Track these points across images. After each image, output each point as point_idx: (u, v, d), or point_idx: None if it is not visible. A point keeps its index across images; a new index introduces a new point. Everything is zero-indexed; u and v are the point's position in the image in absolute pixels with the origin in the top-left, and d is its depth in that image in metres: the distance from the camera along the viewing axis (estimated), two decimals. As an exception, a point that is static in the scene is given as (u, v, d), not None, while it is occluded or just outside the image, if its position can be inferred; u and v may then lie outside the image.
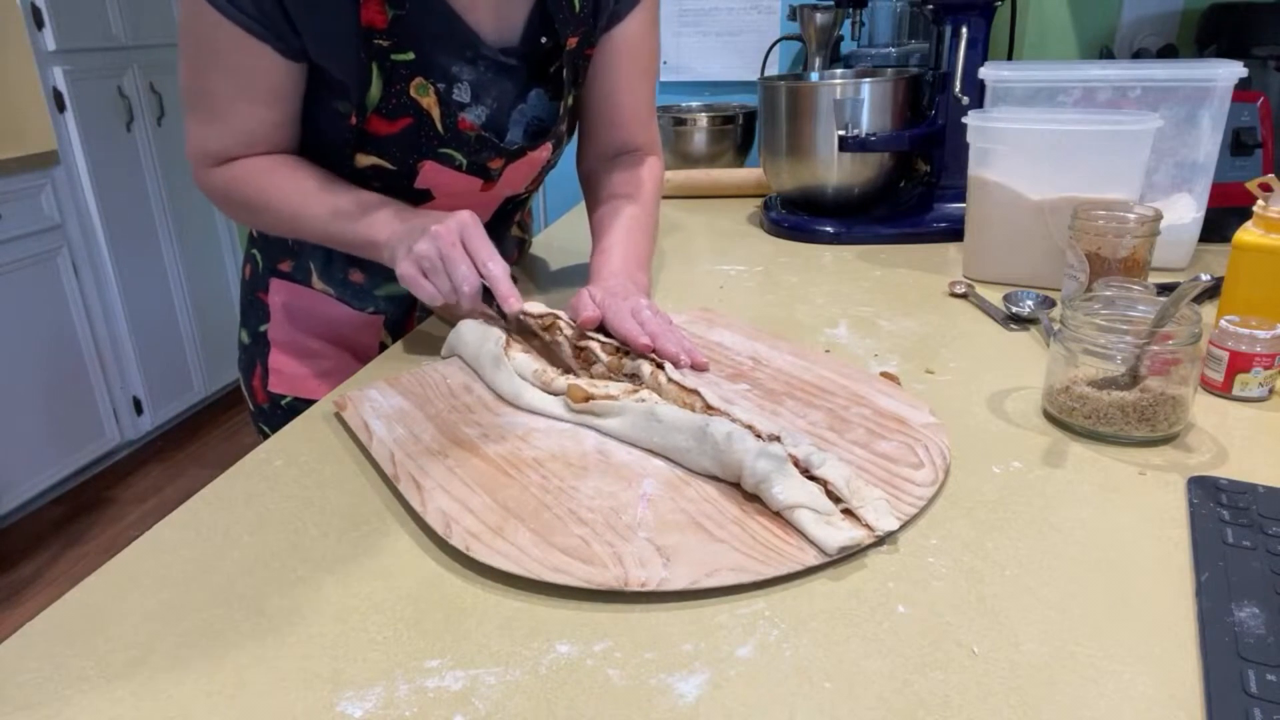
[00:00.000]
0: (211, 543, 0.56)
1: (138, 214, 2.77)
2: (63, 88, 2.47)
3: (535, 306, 0.78)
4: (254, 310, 0.99)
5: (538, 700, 0.42)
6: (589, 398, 0.67)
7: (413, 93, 0.80)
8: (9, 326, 2.37)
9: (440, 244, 0.74)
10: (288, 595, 0.50)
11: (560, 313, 0.78)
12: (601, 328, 0.76)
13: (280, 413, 0.97)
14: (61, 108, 2.49)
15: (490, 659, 0.45)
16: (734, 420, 0.61)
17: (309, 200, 0.81)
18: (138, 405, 2.82)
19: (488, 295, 0.77)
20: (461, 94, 0.83)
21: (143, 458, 2.88)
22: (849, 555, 0.51)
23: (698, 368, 0.73)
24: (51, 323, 2.50)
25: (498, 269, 0.75)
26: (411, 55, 0.78)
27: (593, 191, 1.00)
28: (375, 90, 0.78)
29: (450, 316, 0.89)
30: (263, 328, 0.98)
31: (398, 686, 0.43)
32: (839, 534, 0.51)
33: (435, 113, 0.81)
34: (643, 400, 0.64)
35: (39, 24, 2.41)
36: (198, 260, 3.03)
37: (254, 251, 0.99)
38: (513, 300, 0.75)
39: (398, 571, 0.52)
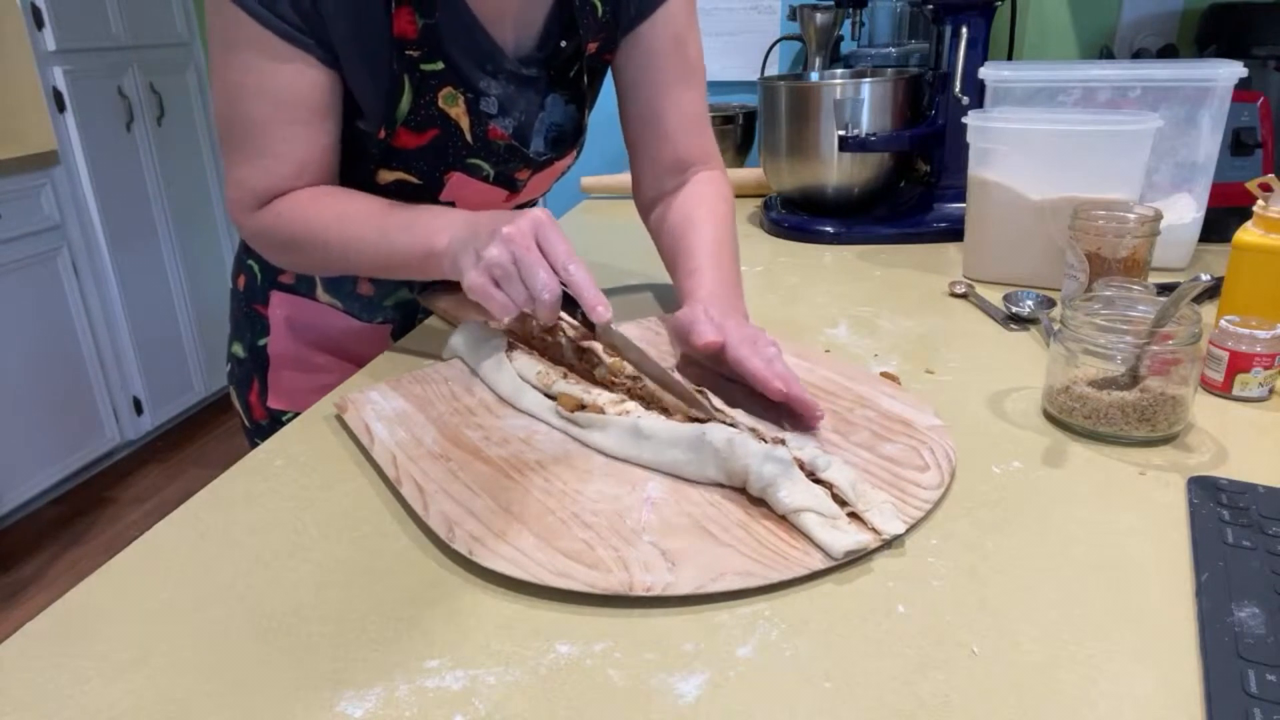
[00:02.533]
0: (211, 543, 0.56)
1: (138, 214, 2.77)
2: (63, 88, 2.47)
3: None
4: (250, 323, 0.96)
5: (538, 700, 0.42)
6: (580, 406, 0.66)
7: (440, 103, 0.78)
8: (9, 326, 2.37)
9: (514, 247, 0.65)
10: (288, 595, 0.50)
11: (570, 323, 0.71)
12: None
13: (280, 429, 0.96)
14: (61, 108, 2.49)
15: (490, 659, 0.45)
16: (739, 423, 0.60)
17: (356, 223, 0.75)
18: (138, 405, 2.82)
19: (568, 303, 0.67)
20: (489, 106, 0.81)
21: (143, 458, 2.88)
22: (853, 558, 0.51)
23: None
24: (51, 323, 2.50)
25: (581, 273, 0.66)
26: (440, 65, 0.76)
27: (658, 220, 0.91)
28: (405, 103, 0.77)
29: (454, 318, 0.88)
30: (261, 342, 0.95)
31: (398, 686, 0.43)
32: (845, 538, 0.51)
33: (464, 122, 0.80)
34: (628, 413, 0.63)
35: (39, 24, 2.41)
36: (198, 260, 3.03)
37: (250, 262, 0.95)
38: (601, 308, 0.65)
39: (398, 571, 0.52)
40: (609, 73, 0.92)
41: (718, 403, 0.63)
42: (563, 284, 0.66)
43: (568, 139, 0.90)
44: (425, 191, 0.84)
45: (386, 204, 0.77)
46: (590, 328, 0.68)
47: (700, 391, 0.64)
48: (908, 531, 0.54)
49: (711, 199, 0.88)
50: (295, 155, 0.76)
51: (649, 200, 0.94)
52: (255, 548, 0.55)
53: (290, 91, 0.74)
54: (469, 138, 0.81)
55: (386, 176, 0.82)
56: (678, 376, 0.65)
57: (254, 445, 0.97)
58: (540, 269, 0.65)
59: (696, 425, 0.60)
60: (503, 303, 0.66)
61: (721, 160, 0.94)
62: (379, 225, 0.75)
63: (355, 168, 0.82)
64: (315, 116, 0.76)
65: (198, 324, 3.03)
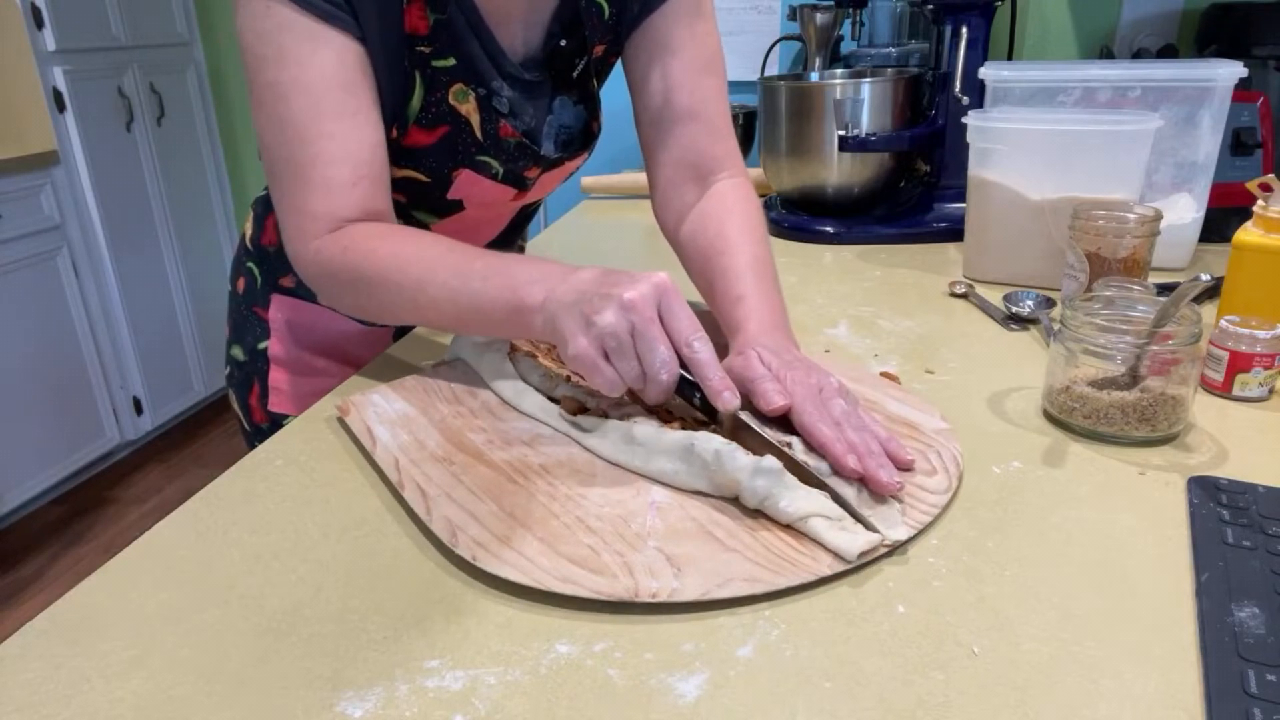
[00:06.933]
0: (211, 543, 0.56)
1: (138, 214, 2.77)
2: (63, 88, 2.47)
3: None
4: (250, 326, 0.96)
5: (538, 700, 0.42)
6: (582, 409, 0.66)
7: (451, 99, 0.77)
8: (9, 326, 2.37)
9: (635, 316, 0.57)
10: (288, 595, 0.50)
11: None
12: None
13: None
14: (61, 108, 2.49)
15: (490, 659, 0.45)
16: (742, 426, 0.60)
17: (433, 266, 0.68)
18: (138, 405, 2.82)
19: (683, 382, 0.60)
20: (501, 105, 0.81)
21: (143, 458, 2.88)
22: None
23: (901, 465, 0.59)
24: (51, 323, 2.50)
25: (706, 352, 0.58)
26: (452, 61, 0.75)
27: (682, 231, 0.85)
28: (417, 100, 0.76)
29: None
30: (262, 345, 0.95)
31: (398, 686, 0.43)
32: (857, 539, 0.50)
33: (474, 119, 0.79)
34: (629, 416, 0.63)
35: (39, 24, 2.41)
36: (198, 260, 3.03)
37: (249, 265, 0.95)
38: (728, 394, 0.58)
39: (398, 571, 0.52)
40: (612, 73, 0.92)
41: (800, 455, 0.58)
42: (683, 362, 0.59)
43: (577, 140, 0.89)
44: (433, 189, 0.83)
45: (468, 249, 0.70)
46: (709, 413, 0.61)
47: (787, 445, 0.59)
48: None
49: (742, 212, 0.81)
50: (345, 155, 0.70)
51: (669, 209, 0.88)
52: (255, 548, 0.55)
53: (331, 77, 0.69)
54: (479, 134, 0.80)
55: (396, 173, 0.81)
56: (800, 454, 0.58)
57: (253, 449, 0.97)
58: (661, 344, 0.58)
59: (686, 434, 0.58)
60: (611, 379, 0.59)
61: (744, 163, 0.88)
62: (460, 271, 0.67)
63: None
64: (359, 104, 0.71)
65: (198, 324, 3.04)
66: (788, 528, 0.53)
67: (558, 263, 0.66)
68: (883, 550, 0.51)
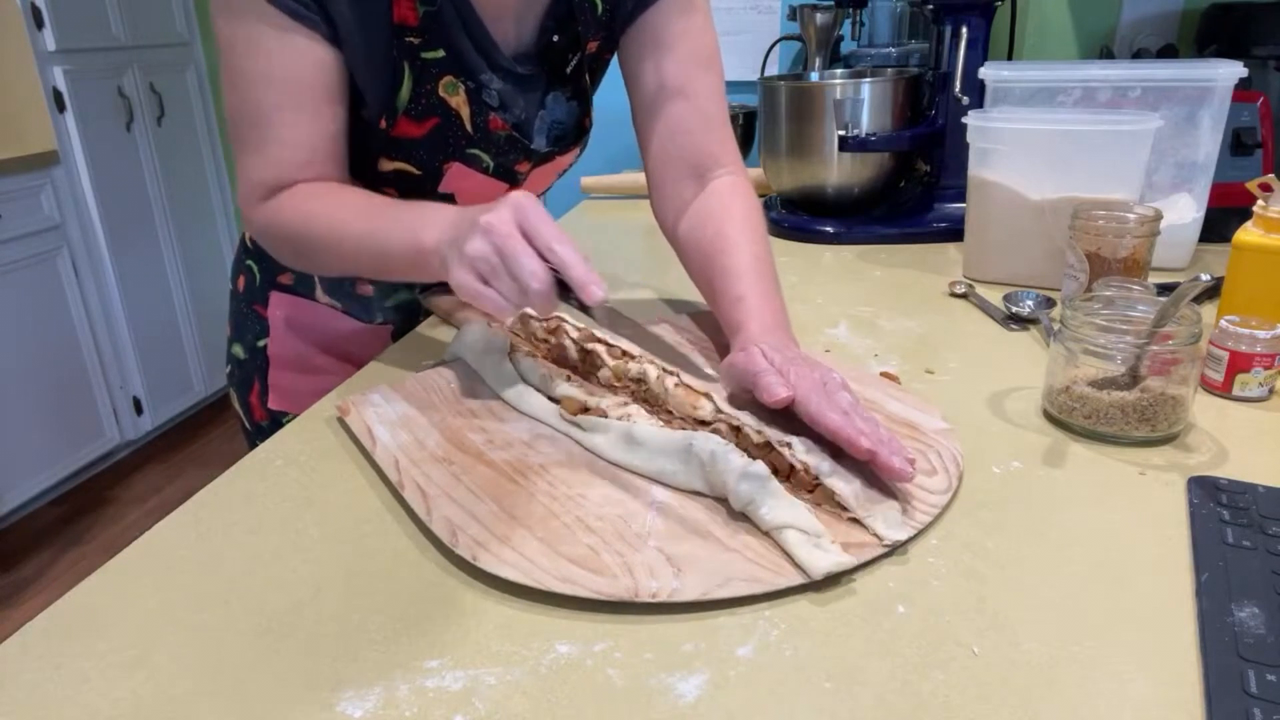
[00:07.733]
0: (211, 543, 0.56)
1: (138, 214, 2.77)
2: (63, 88, 2.47)
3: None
4: (249, 324, 0.96)
5: (538, 700, 0.42)
6: (583, 409, 0.65)
7: (441, 92, 0.77)
8: (9, 326, 2.37)
9: (494, 237, 0.60)
10: (288, 595, 0.50)
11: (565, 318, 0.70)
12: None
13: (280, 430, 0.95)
14: (61, 108, 2.49)
15: (490, 659, 0.45)
16: (744, 425, 0.60)
17: (347, 219, 0.72)
18: (138, 405, 2.82)
19: (563, 290, 0.61)
20: (491, 98, 0.81)
21: (143, 458, 2.88)
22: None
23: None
24: (51, 323, 2.50)
25: (568, 252, 0.59)
26: (441, 53, 0.76)
27: (681, 231, 0.84)
28: (405, 91, 0.76)
29: (455, 320, 0.88)
30: (261, 343, 0.95)
31: (398, 686, 0.43)
32: (825, 558, 0.49)
33: (464, 112, 0.79)
34: (629, 416, 0.63)
35: (39, 24, 2.41)
36: (198, 260, 3.03)
37: (249, 263, 0.96)
38: (594, 288, 0.59)
39: (398, 571, 0.52)
40: (608, 70, 0.92)
41: (723, 405, 0.62)
42: (553, 268, 0.60)
43: (569, 136, 0.89)
44: (424, 182, 0.83)
45: (383, 201, 0.73)
46: (586, 310, 0.62)
47: (706, 394, 0.63)
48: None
49: (742, 211, 0.81)
50: (302, 141, 0.74)
51: (667, 206, 0.87)
52: (255, 548, 0.55)
53: (296, 73, 0.72)
54: (469, 127, 0.80)
55: (387, 165, 0.81)
56: (800, 454, 0.58)
57: (254, 448, 0.97)
58: (524, 256, 0.59)
59: (685, 434, 0.58)
60: (494, 300, 0.61)
61: (742, 160, 0.87)
62: (368, 222, 0.70)
63: (357, 157, 0.81)
64: (321, 101, 0.73)
65: (198, 324, 3.04)
66: None
67: (455, 207, 0.68)
68: (855, 564, 0.50)
